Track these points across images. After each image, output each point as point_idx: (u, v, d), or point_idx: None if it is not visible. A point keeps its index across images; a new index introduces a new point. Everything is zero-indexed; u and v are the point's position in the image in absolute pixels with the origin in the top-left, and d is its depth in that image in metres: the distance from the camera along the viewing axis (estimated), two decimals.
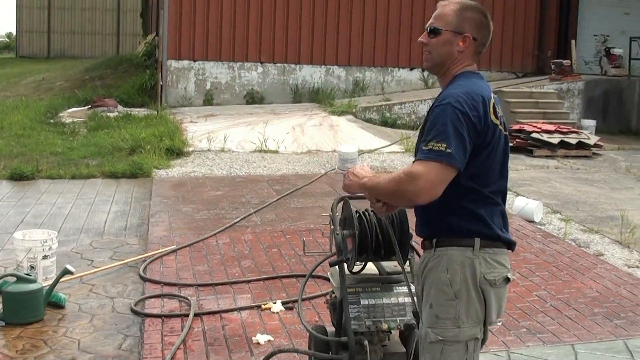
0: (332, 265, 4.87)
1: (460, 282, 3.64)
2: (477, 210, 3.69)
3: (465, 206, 3.68)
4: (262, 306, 6.84)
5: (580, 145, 16.46)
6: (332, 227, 5.02)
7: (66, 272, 6.65)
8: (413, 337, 5.10)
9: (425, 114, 3.92)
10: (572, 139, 16.39)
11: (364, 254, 4.74)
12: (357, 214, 4.75)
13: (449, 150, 3.46)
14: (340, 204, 5.01)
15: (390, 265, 5.07)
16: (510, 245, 3.81)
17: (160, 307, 6.82)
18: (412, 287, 4.86)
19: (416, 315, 4.45)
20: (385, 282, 4.98)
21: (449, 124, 3.50)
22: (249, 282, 7.52)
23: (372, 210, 4.70)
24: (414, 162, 3.57)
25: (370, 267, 4.99)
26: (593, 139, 16.78)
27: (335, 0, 21.38)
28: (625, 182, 13.59)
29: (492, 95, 3.75)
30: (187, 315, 6.54)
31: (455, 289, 3.64)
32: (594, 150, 16.65)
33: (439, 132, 3.50)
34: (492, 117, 3.64)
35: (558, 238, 9.47)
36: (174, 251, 8.46)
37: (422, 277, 3.83)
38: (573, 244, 9.32)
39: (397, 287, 4.92)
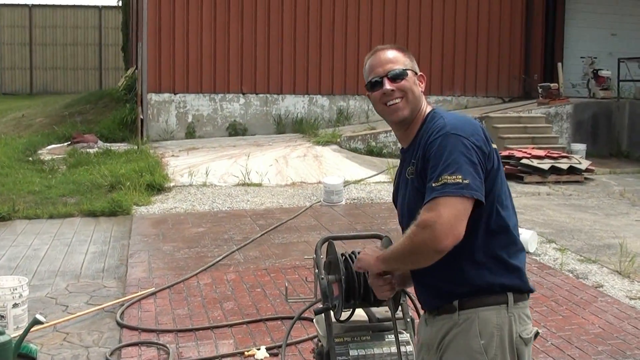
0: (317, 313, 4.50)
1: (496, 347, 3.23)
2: (510, 258, 3.31)
3: (497, 254, 3.30)
4: (245, 353, 6.48)
5: (572, 170, 16.17)
6: (317, 271, 4.66)
7: (36, 322, 6.24)
8: None
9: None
10: (563, 164, 16.11)
11: (352, 299, 4.38)
12: (343, 257, 4.38)
13: (466, 181, 3.11)
14: (325, 246, 4.67)
15: (381, 310, 4.70)
16: (531, 290, 3.44)
17: (138, 356, 6.46)
18: (405, 336, 4.54)
19: None
20: (376, 330, 4.62)
21: (457, 153, 3.15)
22: (231, 326, 7.16)
23: (358, 252, 4.36)
24: (424, 206, 3.17)
25: (359, 313, 4.62)
26: (584, 164, 16.50)
27: (317, 29, 21.16)
28: (620, 208, 13.27)
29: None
30: None
31: (491, 356, 3.23)
32: (586, 175, 16.35)
33: (449, 164, 3.14)
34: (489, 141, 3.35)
35: (555, 269, 9.12)
36: (153, 294, 8.10)
37: (439, 348, 3.37)
38: (570, 275, 8.98)
39: (389, 335, 4.56)
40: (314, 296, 4.98)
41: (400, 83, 3.49)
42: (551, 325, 7.20)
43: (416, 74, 3.56)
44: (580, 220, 12.04)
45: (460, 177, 3.10)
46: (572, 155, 17.16)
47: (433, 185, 3.14)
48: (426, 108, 3.52)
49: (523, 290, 3.32)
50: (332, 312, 4.48)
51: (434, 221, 3.07)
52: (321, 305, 4.48)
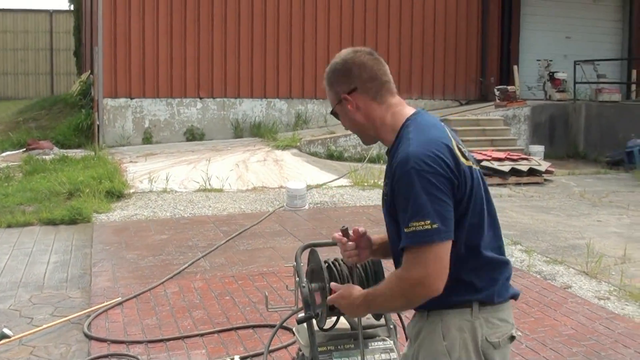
0: (300, 322, 4.40)
1: (459, 349, 3.19)
2: (479, 279, 3.24)
3: (463, 278, 3.22)
4: None
5: (532, 172, 16.25)
6: (297, 279, 4.57)
7: (3, 336, 6.13)
8: None
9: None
10: (524, 166, 16.19)
11: (336, 308, 4.28)
12: (326, 264, 4.29)
13: (435, 226, 3.02)
14: (305, 253, 4.58)
15: (363, 318, 4.63)
16: (514, 296, 3.38)
17: None
18: (388, 343, 4.47)
19: None
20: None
21: (420, 195, 3.03)
22: (202, 335, 7.03)
23: (342, 260, 4.28)
24: (401, 248, 3.12)
25: (341, 321, 4.53)
26: (544, 165, 16.60)
27: (275, 33, 21.08)
28: (581, 209, 13.34)
29: (447, 130, 3.31)
30: None
31: (455, 358, 3.19)
32: (546, 176, 16.45)
33: (416, 210, 3.03)
34: (463, 159, 3.18)
35: (522, 271, 9.11)
36: (120, 304, 7.94)
37: (415, 343, 3.36)
38: (538, 276, 8.98)
39: (373, 343, 4.48)
40: (295, 305, 4.86)
41: (341, 120, 3.47)
42: (524, 328, 7.17)
43: (341, 101, 3.38)
44: (544, 222, 12.07)
45: (428, 222, 3.02)
46: (531, 157, 17.27)
47: (405, 231, 3.07)
48: (391, 120, 3.35)
49: (490, 301, 3.27)
50: (314, 321, 4.40)
51: (423, 276, 3.05)
52: (302, 314, 4.39)
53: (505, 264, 3.36)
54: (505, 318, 3.31)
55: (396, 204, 3.14)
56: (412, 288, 3.09)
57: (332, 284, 3.66)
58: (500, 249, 3.36)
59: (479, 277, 3.24)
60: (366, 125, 3.38)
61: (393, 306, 3.34)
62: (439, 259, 3.04)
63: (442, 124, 3.34)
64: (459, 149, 3.21)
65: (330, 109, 3.53)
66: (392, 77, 3.44)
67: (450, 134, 3.28)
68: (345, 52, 3.43)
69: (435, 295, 3.08)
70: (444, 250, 3.05)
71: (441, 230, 3.02)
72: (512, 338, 3.32)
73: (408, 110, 3.38)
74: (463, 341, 3.20)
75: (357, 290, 3.40)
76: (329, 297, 3.61)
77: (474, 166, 3.27)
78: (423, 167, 3.05)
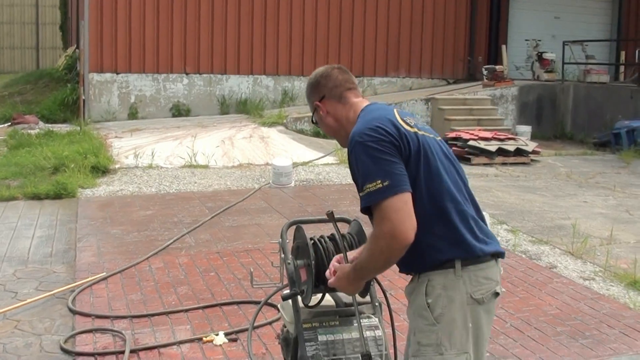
0: (285, 299, 4.39)
1: (441, 306, 3.49)
2: (452, 235, 3.50)
3: (437, 233, 3.49)
4: (204, 338, 6.34)
5: (518, 152, 16.26)
6: (283, 255, 4.55)
7: None
8: None
9: None
10: (510, 146, 16.18)
11: (321, 284, 4.27)
12: (312, 241, 4.27)
13: (386, 183, 3.36)
14: (291, 230, 4.55)
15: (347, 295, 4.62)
16: (498, 255, 3.63)
17: (93, 344, 6.28)
18: (374, 320, 4.46)
19: (365, 356, 4.04)
20: (344, 314, 4.52)
21: (367, 161, 3.41)
22: (187, 311, 7.02)
23: (327, 237, 4.27)
24: (363, 211, 3.50)
25: (326, 298, 4.51)
26: (531, 146, 16.60)
27: (262, 9, 20.98)
28: (567, 189, 13.36)
29: (395, 109, 3.71)
30: (123, 352, 6.02)
31: (436, 314, 3.49)
32: (532, 156, 16.45)
33: (366, 174, 3.41)
34: (406, 126, 3.56)
35: (508, 251, 9.10)
36: (104, 279, 7.91)
37: (409, 303, 3.70)
38: (524, 256, 8.99)
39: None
40: (281, 281, 4.84)
41: (321, 126, 3.97)
42: (509, 307, 7.19)
43: (315, 109, 3.90)
44: (530, 202, 12.09)
45: (378, 181, 3.36)
46: (518, 137, 17.27)
47: (361, 195, 3.43)
48: (353, 116, 3.77)
49: (476, 256, 3.52)
50: (300, 298, 4.39)
51: (391, 229, 3.33)
52: (288, 291, 4.38)
53: (479, 221, 3.63)
54: (490, 276, 3.57)
55: (354, 179, 3.53)
56: (386, 242, 3.36)
57: (328, 275, 3.90)
58: (476, 213, 3.65)
59: (453, 235, 3.51)
60: (337, 127, 3.86)
61: (378, 265, 3.50)
62: (399, 210, 3.33)
63: (392, 107, 3.72)
64: (404, 120, 3.59)
65: None
66: (357, 85, 3.94)
67: (398, 112, 3.67)
68: (318, 69, 3.98)
69: (408, 243, 3.35)
70: (401, 202, 3.34)
71: (391, 185, 3.34)
72: (497, 294, 3.61)
73: (366, 103, 3.82)
74: (447, 298, 3.48)
75: (346, 267, 3.69)
76: (329, 282, 3.84)
77: (422, 133, 3.62)
78: (365, 138, 3.44)
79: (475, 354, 3.56)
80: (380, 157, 3.38)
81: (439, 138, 3.75)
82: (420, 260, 3.54)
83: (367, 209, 3.47)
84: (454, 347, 3.47)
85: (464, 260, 3.50)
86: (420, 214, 3.40)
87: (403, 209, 3.33)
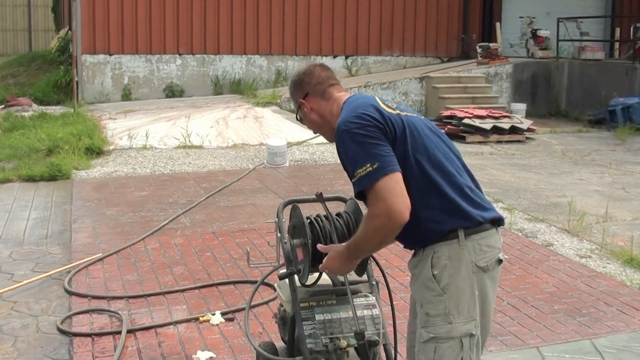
0: (282, 278, 4.38)
1: (448, 276, 3.55)
2: (448, 205, 3.59)
3: (434, 206, 3.57)
4: (200, 318, 6.34)
5: (513, 130, 16.26)
6: (279, 234, 4.54)
7: None
8: (372, 352, 4.69)
9: None
10: (505, 124, 16.18)
11: (318, 264, 4.26)
12: (309, 220, 4.26)
13: (375, 165, 3.43)
14: (287, 209, 4.54)
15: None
16: (498, 222, 3.70)
17: (89, 324, 6.27)
18: (371, 299, 4.45)
19: (358, 335, 4.11)
20: (341, 293, 4.52)
21: (354, 147, 3.50)
22: (183, 291, 7.01)
23: (324, 216, 4.26)
24: (357, 195, 3.58)
25: (323, 277, 4.51)
26: (526, 123, 16.59)
27: None
28: (563, 167, 13.36)
29: (377, 97, 3.79)
30: (120, 333, 6.00)
31: (443, 284, 3.55)
32: (527, 134, 16.45)
33: (355, 161, 3.49)
34: (388, 110, 3.65)
35: (504, 229, 9.07)
36: (100, 260, 7.90)
37: (414, 277, 3.74)
38: (520, 234, 8.99)
39: (356, 299, 4.45)
40: (277, 261, 4.83)
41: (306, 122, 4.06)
42: (506, 285, 7.19)
43: (300, 106, 3.99)
44: (525, 180, 12.09)
45: (367, 165, 3.43)
46: (513, 115, 17.25)
47: (353, 182, 3.51)
48: (337, 110, 3.84)
49: (477, 224, 3.59)
50: (296, 277, 4.38)
51: (385, 209, 3.40)
52: (285, 270, 4.37)
53: (475, 190, 3.71)
54: (492, 244, 3.64)
55: (344, 167, 3.61)
56: (381, 221, 3.42)
57: (319, 245, 3.93)
58: (472, 183, 3.75)
59: (449, 205, 3.57)
60: (321, 122, 3.95)
61: (373, 245, 3.59)
62: (391, 190, 3.39)
63: (373, 96, 3.81)
64: (386, 104, 3.69)
65: None
66: (339, 81, 4.03)
67: (380, 99, 3.76)
68: (300, 68, 4.13)
69: (404, 222, 3.41)
70: (392, 181, 3.41)
71: (381, 167, 3.41)
72: (500, 261, 3.68)
73: (348, 96, 3.91)
74: (453, 268, 3.54)
75: (340, 247, 3.76)
76: (321, 266, 3.90)
77: (405, 114, 3.71)
78: (350, 126, 3.53)
79: (482, 320, 3.63)
80: (367, 142, 3.46)
81: (423, 117, 3.83)
82: (423, 234, 3.60)
83: (360, 194, 3.53)
84: (461, 315, 3.54)
85: (466, 229, 3.56)
86: (414, 190, 3.49)
87: (395, 189, 3.40)
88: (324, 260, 3.85)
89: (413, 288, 3.76)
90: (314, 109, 3.94)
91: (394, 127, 3.55)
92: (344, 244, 3.77)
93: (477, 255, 3.57)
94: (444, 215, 3.55)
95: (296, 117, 4.12)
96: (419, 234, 3.61)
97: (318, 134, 4.17)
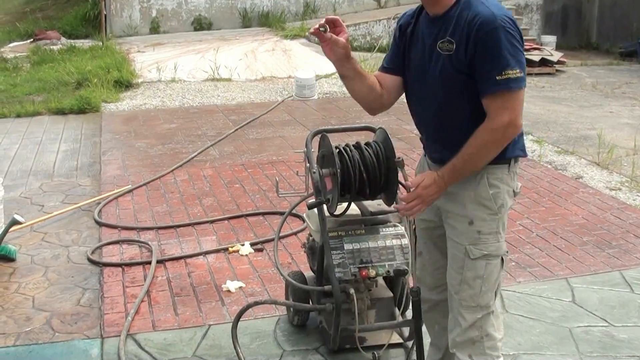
0: (310, 207, 4.38)
1: (502, 197, 3.62)
2: (516, 139, 3.59)
3: None
4: (230, 249, 6.38)
5: (544, 62, 16.06)
6: (308, 164, 4.53)
7: (14, 222, 6.11)
8: (400, 281, 4.71)
9: (396, 32, 3.96)
10: (535, 56, 15.98)
11: (347, 193, 4.25)
12: (337, 150, 4.23)
13: (521, 74, 3.36)
14: (316, 140, 4.53)
15: (374, 204, 4.61)
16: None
17: (119, 255, 6.34)
18: (400, 229, 4.45)
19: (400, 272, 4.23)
20: (370, 223, 4.53)
21: (510, 48, 3.34)
22: (212, 222, 7.06)
23: (353, 145, 4.24)
24: (486, 97, 3.40)
25: (352, 207, 4.50)
26: (556, 56, 16.38)
27: None
28: (593, 100, 13.22)
29: None
30: (149, 263, 6.07)
31: (499, 204, 3.61)
32: (557, 67, 16.24)
33: (507, 60, 3.33)
34: None
35: (534, 161, 9.05)
36: (130, 191, 7.96)
37: (451, 197, 3.66)
38: (549, 166, 8.92)
39: (384, 229, 4.47)
40: (306, 191, 4.83)
41: None
42: (535, 217, 7.17)
43: None
44: (555, 112, 11.98)
45: (518, 71, 3.32)
46: (543, 47, 17.05)
47: (497, 78, 3.33)
48: None
49: (523, 157, 3.69)
50: (325, 207, 4.38)
51: (513, 118, 3.37)
52: (313, 200, 4.37)
53: None
54: (518, 172, 3.75)
55: (477, 57, 3.39)
56: (505, 131, 3.40)
57: (408, 182, 3.66)
58: None
59: (519, 135, 3.59)
60: None
61: (485, 160, 3.51)
62: (521, 102, 3.41)
63: None
64: None
65: None
66: None
67: None
68: None
69: (514, 138, 3.47)
70: (523, 95, 3.41)
71: (524, 78, 3.37)
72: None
73: None
74: (506, 191, 3.63)
75: (433, 174, 3.58)
76: (407, 195, 3.63)
77: None
78: (508, 25, 3.37)
79: None
80: (518, 48, 3.38)
81: None
82: None
83: (474, 98, 3.44)
84: (505, 233, 3.68)
85: (516, 159, 3.64)
86: None
87: (522, 103, 3.42)
88: (412, 190, 3.59)
89: (452, 206, 3.68)
90: None
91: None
92: (440, 170, 3.56)
93: (515, 183, 3.67)
94: (509, 146, 3.53)
95: None
96: None
97: None
